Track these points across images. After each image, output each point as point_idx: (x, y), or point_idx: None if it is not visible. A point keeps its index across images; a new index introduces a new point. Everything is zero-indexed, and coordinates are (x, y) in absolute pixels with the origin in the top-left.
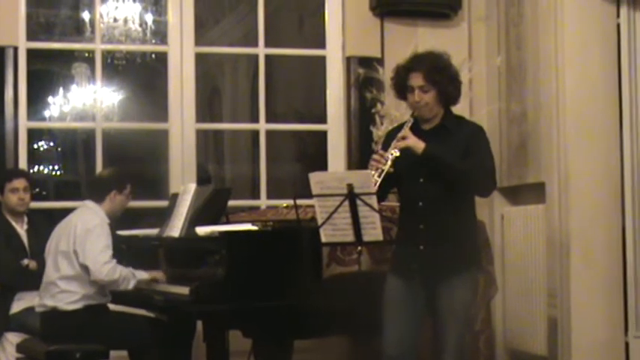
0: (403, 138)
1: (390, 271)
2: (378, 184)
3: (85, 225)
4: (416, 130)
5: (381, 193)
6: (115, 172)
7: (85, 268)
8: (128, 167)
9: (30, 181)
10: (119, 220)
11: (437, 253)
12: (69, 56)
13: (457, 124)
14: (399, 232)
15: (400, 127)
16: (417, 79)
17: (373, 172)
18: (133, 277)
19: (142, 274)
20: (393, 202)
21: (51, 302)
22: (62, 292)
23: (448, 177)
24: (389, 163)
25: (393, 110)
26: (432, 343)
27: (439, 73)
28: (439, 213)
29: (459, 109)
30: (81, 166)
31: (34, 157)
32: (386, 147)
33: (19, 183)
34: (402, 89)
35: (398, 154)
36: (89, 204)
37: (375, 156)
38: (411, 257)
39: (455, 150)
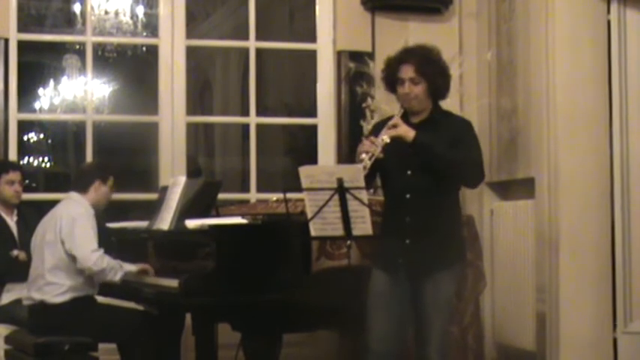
0: (394, 126)
1: (375, 265)
2: (368, 167)
3: (70, 214)
4: (405, 122)
5: (367, 180)
6: (99, 163)
7: (72, 257)
8: (118, 160)
9: (23, 173)
10: (107, 212)
11: (423, 247)
12: (60, 48)
13: (445, 117)
14: (383, 226)
15: (389, 120)
16: (407, 71)
17: (364, 156)
18: (120, 268)
19: (130, 267)
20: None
21: (38, 295)
22: (49, 284)
23: (437, 166)
24: (379, 148)
25: (384, 105)
26: (415, 337)
27: (430, 66)
28: (426, 206)
29: (450, 103)
30: (71, 159)
31: (24, 148)
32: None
33: (15, 175)
34: (392, 81)
35: (388, 140)
36: (73, 195)
37: (365, 141)
38: (396, 251)
39: (443, 143)
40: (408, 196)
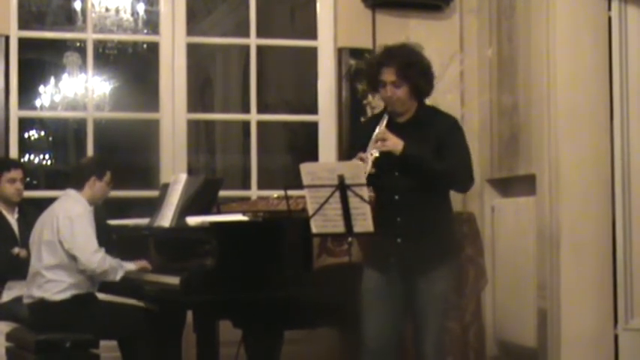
0: (383, 140)
1: (366, 263)
2: None
3: (67, 213)
4: (390, 123)
5: None
6: (95, 158)
7: (73, 257)
8: (119, 157)
9: (25, 171)
10: (108, 209)
11: (414, 246)
12: (60, 45)
13: (431, 116)
14: (375, 225)
15: (375, 119)
16: (388, 75)
17: None
18: (120, 267)
19: (129, 265)
20: None
21: (38, 293)
22: (49, 281)
23: (426, 176)
24: (369, 164)
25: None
26: (412, 334)
27: (411, 69)
28: (415, 206)
29: (450, 100)
30: (72, 156)
31: (24, 146)
32: (362, 139)
33: (17, 173)
34: (374, 83)
35: (378, 154)
36: (70, 192)
37: (355, 159)
38: (388, 250)
39: (430, 143)
40: (397, 197)
